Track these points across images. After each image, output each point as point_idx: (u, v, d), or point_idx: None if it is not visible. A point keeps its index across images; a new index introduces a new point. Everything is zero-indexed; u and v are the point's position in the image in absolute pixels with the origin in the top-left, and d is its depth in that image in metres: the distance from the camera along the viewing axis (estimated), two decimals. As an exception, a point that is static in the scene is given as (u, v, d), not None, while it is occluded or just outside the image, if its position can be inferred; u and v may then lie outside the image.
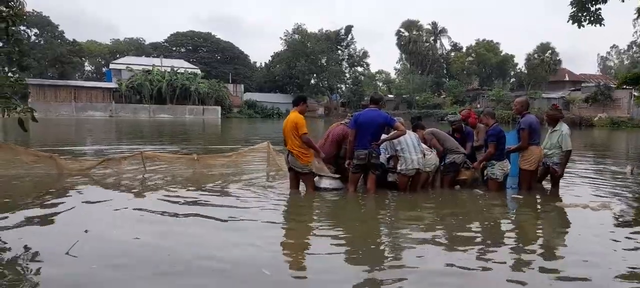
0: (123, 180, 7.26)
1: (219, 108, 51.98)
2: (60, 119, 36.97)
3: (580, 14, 10.15)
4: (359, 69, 68.67)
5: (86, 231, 4.32)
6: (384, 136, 6.11)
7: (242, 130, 29.63)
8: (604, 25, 9.97)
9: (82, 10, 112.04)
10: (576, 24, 10.08)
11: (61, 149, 11.47)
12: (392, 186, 6.53)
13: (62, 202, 5.60)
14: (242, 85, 62.13)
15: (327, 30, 64.79)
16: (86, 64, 74.56)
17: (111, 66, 57.59)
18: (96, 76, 71.10)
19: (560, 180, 6.89)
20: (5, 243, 3.89)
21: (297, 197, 6.23)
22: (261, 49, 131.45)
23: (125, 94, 49.70)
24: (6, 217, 4.74)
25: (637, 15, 10.87)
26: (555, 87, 57.16)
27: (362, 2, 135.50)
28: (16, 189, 6.39)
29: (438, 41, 68.27)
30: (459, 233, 4.63)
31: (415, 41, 64.52)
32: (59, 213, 5.15)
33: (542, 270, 3.60)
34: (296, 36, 64.87)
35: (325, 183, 6.48)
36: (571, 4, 10.21)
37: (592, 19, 9.97)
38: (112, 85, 51.29)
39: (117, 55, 66.36)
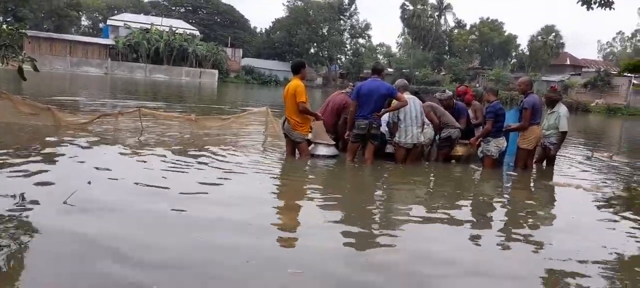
0: (120, 135, 7.25)
1: (216, 72, 51.47)
2: (54, 73, 36.56)
3: (590, -5, 9.96)
4: (361, 40, 67.89)
5: (89, 182, 4.34)
6: (384, 108, 6.10)
7: (239, 95, 29.46)
8: (614, 8, 9.83)
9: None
10: (585, 5, 9.92)
11: (57, 102, 11.39)
12: (389, 157, 6.56)
13: (59, 154, 5.61)
14: (241, 50, 61.37)
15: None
16: (83, 18, 73.20)
17: (108, 22, 56.53)
18: (93, 32, 69.85)
19: (555, 162, 6.97)
20: (5, 190, 3.90)
21: (292, 163, 6.26)
22: (261, 13, 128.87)
23: (121, 51, 49.00)
24: (6, 166, 4.75)
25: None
26: (555, 71, 56.90)
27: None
28: (14, 139, 6.36)
29: (442, 17, 67.37)
30: (450, 208, 4.67)
31: (419, 15, 63.58)
32: (56, 163, 5.16)
33: (532, 245, 3.67)
34: (299, 3, 63.77)
35: (322, 150, 6.51)
36: (582, -15, 10.01)
37: (602, 1, 9.81)
38: (109, 41, 50.52)
39: (115, 11, 65.06)
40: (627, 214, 4.74)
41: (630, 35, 72.46)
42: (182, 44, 50.43)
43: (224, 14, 69.57)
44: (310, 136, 6.45)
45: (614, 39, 77.58)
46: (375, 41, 78.46)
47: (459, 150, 6.95)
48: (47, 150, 5.78)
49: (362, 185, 5.64)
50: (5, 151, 5.42)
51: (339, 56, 66.67)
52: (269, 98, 26.03)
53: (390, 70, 62.76)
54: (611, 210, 5.02)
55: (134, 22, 53.53)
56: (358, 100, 6.00)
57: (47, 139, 6.48)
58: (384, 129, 6.47)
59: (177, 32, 51.95)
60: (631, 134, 21.59)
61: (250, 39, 69.64)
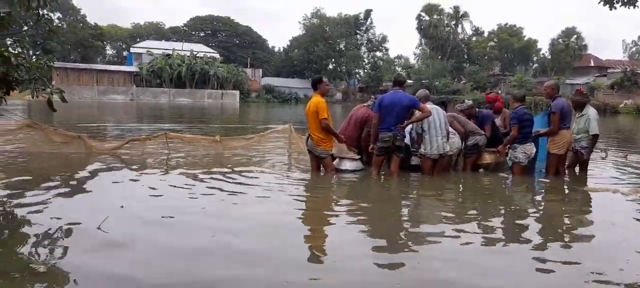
0: (148, 160, 7.39)
1: (237, 92, 52.25)
2: (82, 102, 37.68)
3: (613, -6, 9.78)
4: (378, 53, 68.00)
5: (122, 207, 4.42)
6: (408, 120, 6.05)
7: (261, 114, 29.75)
8: (638, 6, 9.61)
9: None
10: (608, 5, 9.74)
11: (86, 130, 11.71)
12: (415, 169, 6.49)
13: (92, 180, 5.75)
14: (261, 70, 62.27)
15: (346, 15, 64.10)
16: (107, 47, 75.57)
17: (132, 50, 58.25)
18: (117, 60, 72.03)
19: (589, 165, 6.77)
20: (40, 217, 4.00)
21: (318, 179, 6.25)
22: (278, 33, 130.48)
23: (145, 77, 50.28)
24: (41, 193, 4.89)
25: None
26: (579, 73, 55.72)
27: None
28: (48, 167, 6.55)
29: (459, 25, 67.00)
30: (480, 219, 4.55)
31: (435, 25, 63.42)
32: (89, 190, 5.29)
33: (567, 258, 3.44)
34: (315, 20, 64.43)
35: (346, 165, 6.48)
36: (604, -16, 9.85)
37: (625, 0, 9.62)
38: (133, 68, 51.92)
39: (138, 39, 67.09)
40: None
41: (656, 33, 70.47)
42: (203, 67, 51.47)
43: (243, 35, 70.87)
44: (334, 151, 6.44)
45: (639, 37, 75.48)
46: (392, 53, 78.41)
47: (487, 158, 6.83)
48: (80, 176, 5.94)
49: (389, 198, 5.57)
50: (38, 177, 5.59)
51: (357, 70, 66.87)
52: (291, 115, 26.20)
53: (410, 81, 62.44)
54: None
55: (156, 49, 54.99)
56: (380, 112, 5.98)
57: (80, 165, 6.65)
58: (407, 141, 6.41)
59: (198, 55, 53.09)
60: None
61: (269, 59, 70.64)
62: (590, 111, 6.62)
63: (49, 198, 4.69)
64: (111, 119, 19.60)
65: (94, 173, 6.15)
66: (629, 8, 9.78)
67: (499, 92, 48.79)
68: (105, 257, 3.21)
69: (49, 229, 3.70)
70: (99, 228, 3.71)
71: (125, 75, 51.22)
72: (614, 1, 9.75)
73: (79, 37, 58.27)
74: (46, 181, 5.53)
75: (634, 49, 75.45)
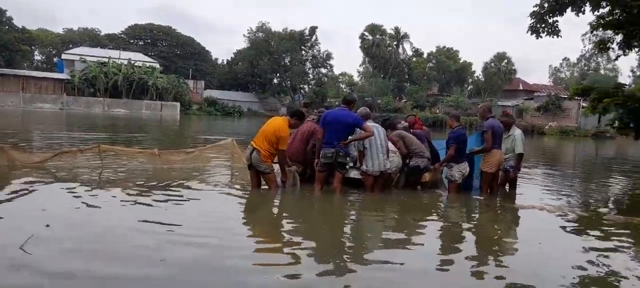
0: (79, 174, 6.95)
1: (177, 104, 50.62)
2: (6, 110, 34.97)
3: (538, 26, 10.70)
4: (323, 70, 68.84)
5: (47, 225, 4.10)
6: (351, 137, 6.14)
7: (202, 127, 29.05)
8: (560, 36, 10.55)
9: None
10: (534, 34, 10.60)
11: (10, 141, 10.84)
12: (357, 184, 6.58)
13: (16, 196, 5.30)
14: (203, 82, 60.87)
15: (291, 30, 64.49)
16: (36, 53, 70.87)
17: (63, 56, 54.79)
18: (47, 66, 67.58)
19: (517, 183, 7.19)
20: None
21: (261, 195, 6.16)
22: (222, 45, 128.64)
23: (78, 86, 47.45)
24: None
25: (590, 30, 11.54)
26: (510, 96, 59.52)
27: (327, 3, 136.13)
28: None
29: (400, 46, 69.43)
30: (419, 233, 4.73)
31: (378, 45, 65.28)
32: (12, 206, 4.87)
33: (496, 271, 3.71)
34: (260, 34, 64.25)
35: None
36: (531, 15, 10.74)
37: (549, 30, 10.53)
38: (64, 76, 48.85)
39: (70, 46, 63.33)
40: (591, 235, 4.92)
41: (575, 61, 76.98)
42: (141, 76, 49.42)
43: (185, 45, 69.05)
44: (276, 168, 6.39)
45: (561, 64, 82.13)
46: (337, 70, 79.67)
47: (425, 176, 7.06)
48: (1, 191, 5.45)
49: (332, 213, 5.60)
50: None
51: (302, 86, 67.24)
52: (233, 129, 25.79)
53: (353, 96, 63.56)
54: (576, 232, 5.19)
55: (91, 56, 52.09)
56: (324, 127, 6.04)
57: (1, 180, 6.12)
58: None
59: (136, 64, 50.97)
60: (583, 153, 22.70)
61: (212, 71, 69.24)
62: (516, 132, 7.08)
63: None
64: (38, 128, 18.28)
65: (17, 189, 5.66)
66: (552, 37, 10.66)
67: (437, 112, 51.01)
68: (26, 279, 2.96)
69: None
70: (21, 248, 3.43)
71: (55, 83, 48.08)
72: (540, 31, 10.59)
73: (3, 40, 54.16)
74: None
75: (557, 74, 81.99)
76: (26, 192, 5.58)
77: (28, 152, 7.98)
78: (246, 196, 6.10)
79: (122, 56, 52.74)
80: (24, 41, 58.41)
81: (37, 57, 72.35)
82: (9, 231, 3.97)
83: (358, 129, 6.11)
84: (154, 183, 6.41)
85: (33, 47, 65.37)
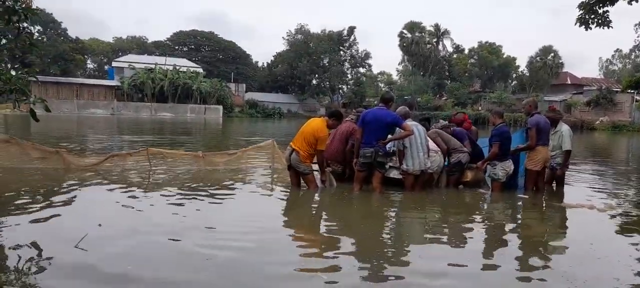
0: (129, 176, 7.29)
1: (220, 107, 51.97)
2: (62, 116, 37.00)
3: (588, 17, 10.21)
4: (361, 69, 68.61)
5: (100, 225, 4.35)
6: (390, 136, 6.11)
7: (244, 129, 29.64)
8: (611, 27, 10.03)
9: (83, 11, 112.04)
10: (583, 26, 10.14)
11: (65, 145, 11.49)
12: (398, 183, 6.54)
13: (71, 197, 5.64)
14: (244, 85, 62.15)
15: (329, 31, 64.64)
16: (88, 61, 74.63)
17: (113, 64, 57.53)
18: (99, 74, 71.08)
19: (565, 181, 6.92)
20: (16, 236, 3.91)
21: (301, 195, 6.24)
22: (262, 48, 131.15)
23: (127, 92, 49.69)
24: (16, 211, 4.77)
25: (640, 20, 10.94)
26: (557, 90, 57.08)
27: (365, 3, 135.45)
28: (25, 183, 6.41)
29: (440, 43, 68.09)
30: (461, 234, 4.64)
31: (417, 43, 64.35)
32: (67, 207, 5.18)
33: (544, 274, 3.55)
34: (299, 36, 64.82)
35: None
36: (579, 6, 10.27)
37: (599, 21, 10.03)
38: (115, 83, 51.29)
39: (120, 54, 66.36)
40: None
41: (628, 52, 72.88)
42: (186, 81, 51.11)
43: (226, 50, 70.81)
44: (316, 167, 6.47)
45: (612, 56, 78.00)
46: (375, 70, 79.24)
47: (467, 175, 6.93)
48: (57, 193, 5.82)
49: (371, 214, 5.60)
50: (15, 194, 5.46)
51: (340, 86, 67.26)
52: (274, 130, 26.17)
53: (391, 94, 62.90)
54: (629, 233, 4.94)
55: (139, 63, 54.47)
56: (363, 127, 6.03)
57: (57, 182, 6.52)
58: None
59: (180, 70, 52.74)
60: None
61: (253, 74, 70.60)
62: (564, 128, 6.81)
63: (25, 215, 4.59)
64: (91, 133, 19.28)
65: (71, 190, 6.03)
66: (602, 28, 10.15)
67: (480, 109, 49.61)
68: (82, 276, 3.16)
69: (24, 246, 3.61)
70: (76, 246, 3.65)
71: (106, 89, 50.52)
72: (589, 22, 10.11)
73: (59, 51, 57.44)
74: (23, 197, 5.41)
75: (608, 66, 77.86)
76: (80, 193, 5.92)
77: (82, 156, 8.42)
78: (286, 197, 6.20)
79: (168, 62, 54.74)
80: (77, 51, 61.70)
81: (90, 65, 76.27)
82: (65, 229, 4.23)
83: (397, 128, 6.09)
84: (198, 185, 6.63)
85: (85, 56, 68.86)
